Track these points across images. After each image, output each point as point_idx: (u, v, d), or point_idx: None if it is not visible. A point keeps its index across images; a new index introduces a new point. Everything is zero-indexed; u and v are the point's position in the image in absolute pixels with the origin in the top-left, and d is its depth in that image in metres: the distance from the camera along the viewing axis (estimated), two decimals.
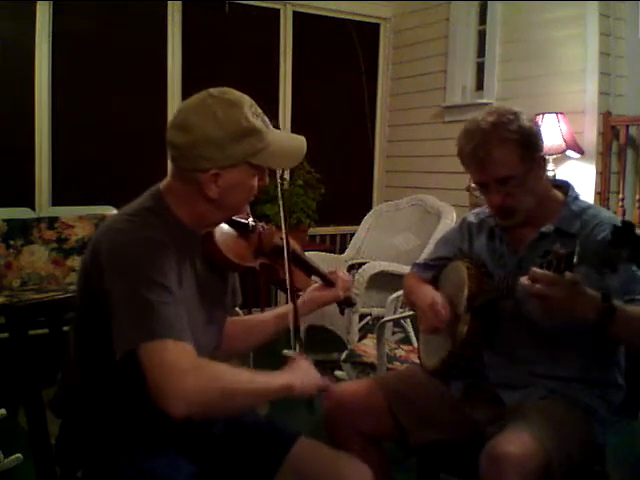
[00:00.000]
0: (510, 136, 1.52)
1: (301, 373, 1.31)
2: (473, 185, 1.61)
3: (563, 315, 1.34)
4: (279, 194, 1.47)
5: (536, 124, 1.58)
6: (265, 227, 1.50)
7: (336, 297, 1.61)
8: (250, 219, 1.46)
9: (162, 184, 1.35)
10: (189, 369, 1.12)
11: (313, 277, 1.62)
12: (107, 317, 1.17)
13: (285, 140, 1.37)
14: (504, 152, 1.52)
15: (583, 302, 1.32)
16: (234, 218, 1.43)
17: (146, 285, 1.16)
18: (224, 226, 1.42)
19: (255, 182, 1.33)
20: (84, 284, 1.27)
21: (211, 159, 1.25)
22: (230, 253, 1.37)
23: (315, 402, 1.36)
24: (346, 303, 1.65)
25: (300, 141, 1.39)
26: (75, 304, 1.31)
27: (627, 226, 1.17)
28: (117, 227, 1.24)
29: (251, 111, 1.28)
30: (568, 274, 1.28)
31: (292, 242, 1.51)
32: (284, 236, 1.46)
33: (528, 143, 1.54)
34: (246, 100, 1.29)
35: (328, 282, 1.61)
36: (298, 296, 1.54)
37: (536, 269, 1.30)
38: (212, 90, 1.29)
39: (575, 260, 1.25)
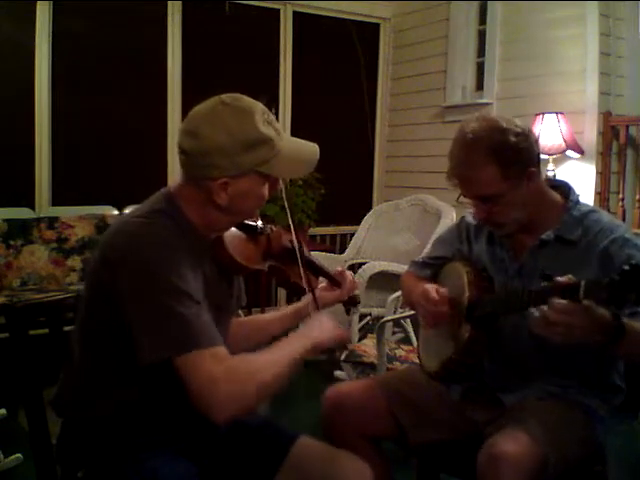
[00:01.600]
0: (489, 156, 1.46)
1: (320, 328, 1.36)
2: (462, 198, 1.58)
3: (579, 340, 1.30)
4: (284, 196, 1.46)
5: (529, 135, 1.51)
6: (274, 229, 1.50)
7: (342, 297, 1.61)
8: (259, 222, 1.46)
9: (173, 186, 1.34)
10: (223, 376, 1.14)
11: (320, 278, 1.62)
12: (120, 320, 1.17)
13: (296, 149, 1.35)
14: (483, 174, 1.48)
15: (597, 326, 1.29)
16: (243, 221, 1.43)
17: (170, 293, 1.16)
18: (232, 229, 1.42)
19: (266, 190, 1.32)
20: (94, 287, 1.27)
21: (220, 168, 1.24)
22: (239, 256, 1.37)
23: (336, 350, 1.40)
24: (352, 302, 1.65)
25: (312, 149, 1.38)
26: (77, 305, 1.31)
27: (636, 270, 1.16)
28: (131, 229, 1.23)
29: (263, 119, 1.27)
30: (585, 302, 1.25)
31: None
32: (294, 238, 1.48)
33: (510, 162, 1.47)
34: (258, 108, 1.28)
35: (335, 282, 1.61)
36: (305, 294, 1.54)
37: (557, 300, 1.26)
38: (224, 97, 1.28)
39: (581, 294, 1.24)
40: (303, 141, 1.39)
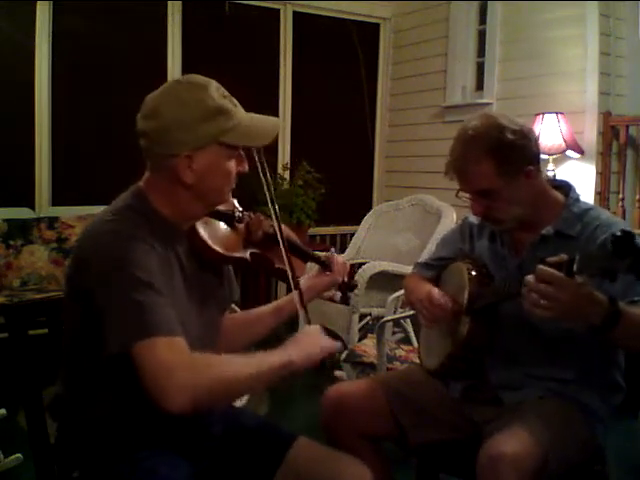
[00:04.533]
0: (485, 152, 1.50)
1: (303, 344, 1.30)
2: (461, 193, 1.60)
3: (568, 319, 1.31)
4: (262, 177, 1.43)
5: (527, 134, 1.54)
6: (252, 216, 1.48)
7: (335, 281, 1.60)
8: (237, 210, 1.45)
9: (142, 181, 1.35)
10: (181, 365, 1.12)
11: (309, 264, 1.60)
12: (93, 318, 1.17)
13: (255, 119, 1.36)
14: (478, 168, 1.52)
15: (590, 306, 1.29)
16: (220, 210, 1.41)
17: (132, 285, 1.16)
18: (211, 219, 1.41)
19: (232, 165, 1.32)
20: (70, 287, 1.27)
21: (182, 142, 1.25)
22: (217, 245, 1.36)
23: (326, 363, 1.32)
24: (348, 288, 1.64)
25: (272, 121, 1.39)
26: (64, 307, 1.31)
27: (627, 236, 1.15)
28: (100, 228, 1.24)
29: (218, 92, 1.29)
30: (578, 277, 1.24)
31: (284, 228, 1.48)
32: (275, 222, 1.44)
33: (506, 158, 1.50)
34: (212, 83, 1.31)
35: (325, 266, 1.59)
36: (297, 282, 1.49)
37: (544, 267, 1.26)
38: (178, 77, 1.32)
39: (575, 269, 1.23)
40: (262, 115, 1.38)
